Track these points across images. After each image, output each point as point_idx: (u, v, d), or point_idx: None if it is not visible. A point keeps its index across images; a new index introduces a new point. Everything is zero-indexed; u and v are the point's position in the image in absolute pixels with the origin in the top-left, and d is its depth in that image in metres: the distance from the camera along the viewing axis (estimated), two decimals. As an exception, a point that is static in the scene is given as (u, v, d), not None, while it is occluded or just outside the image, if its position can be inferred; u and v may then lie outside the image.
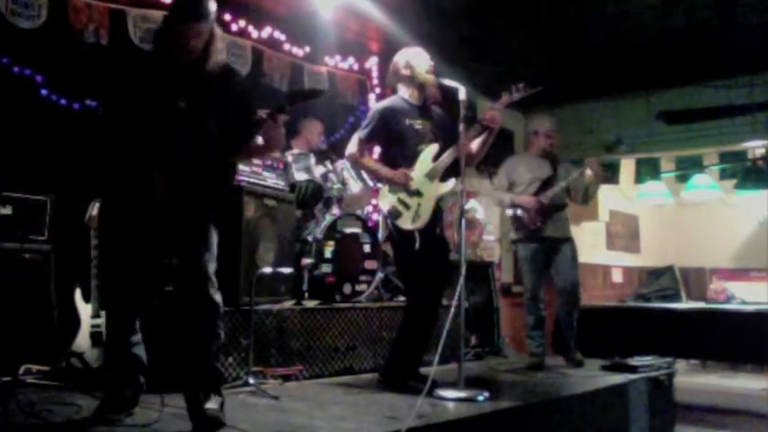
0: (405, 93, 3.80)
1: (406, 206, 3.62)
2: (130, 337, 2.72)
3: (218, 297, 2.70)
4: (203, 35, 2.58)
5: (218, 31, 2.67)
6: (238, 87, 2.77)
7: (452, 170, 3.66)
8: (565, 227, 4.81)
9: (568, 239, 4.80)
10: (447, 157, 3.64)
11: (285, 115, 2.59)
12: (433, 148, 3.68)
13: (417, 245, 3.56)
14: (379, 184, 3.88)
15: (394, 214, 3.63)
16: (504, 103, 3.69)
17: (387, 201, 3.67)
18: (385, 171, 3.71)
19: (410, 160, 3.67)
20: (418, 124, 3.72)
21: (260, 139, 2.67)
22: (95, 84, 4.32)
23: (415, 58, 3.76)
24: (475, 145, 3.71)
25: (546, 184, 4.75)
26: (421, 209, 3.61)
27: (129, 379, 2.71)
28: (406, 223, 3.61)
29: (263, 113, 2.59)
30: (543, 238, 4.71)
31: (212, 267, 2.68)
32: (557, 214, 4.75)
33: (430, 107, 3.83)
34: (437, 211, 3.69)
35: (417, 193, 3.62)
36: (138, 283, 2.71)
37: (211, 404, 2.60)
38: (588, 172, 4.70)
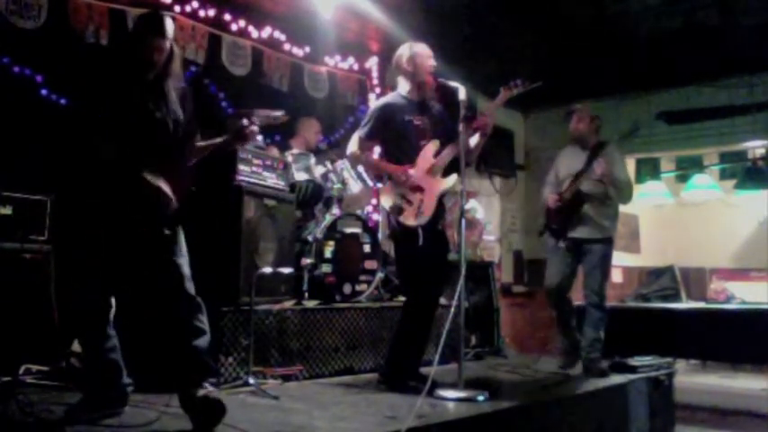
0: (404, 89, 3.81)
1: (409, 202, 3.62)
2: (107, 337, 2.74)
3: (194, 292, 2.74)
4: (165, 51, 2.74)
5: (177, 50, 2.82)
6: (190, 112, 2.89)
7: (453, 167, 3.66)
8: (598, 226, 4.42)
9: (598, 241, 4.41)
10: (448, 153, 3.65)
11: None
12: (434, 144, 3.69)
13: (421, 241, 3.57)
14: (379, 184, 3.89)
15: (396, 210, 3.63)
16: (503, 99, 3.71)
17: (389, 197, 3.67)
18: (387, 167, 3.71)
19: (411, 157, 3.68)
20: (417, 120, 3.72)
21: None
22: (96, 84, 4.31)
23: (419, 56, 3.75)
24: (472, 141, 3.73)
25: (577, 178, 4.45)
26: (423, 205, 3.61)
27: (109, 380, 2.73)
28: (408, 219, 3.61)
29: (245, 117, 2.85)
30: (568, 238, 4.46)
31: (186, 264, 2.74)
32: (587, 213, 4.42)
33: (429, 103, 3.83)
34: (439, 207, 3.69)
35: (419, 190, 3.62)
36: (118, 288, 2.78)
37: (205, 391, 2.62)
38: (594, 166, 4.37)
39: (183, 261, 2.74)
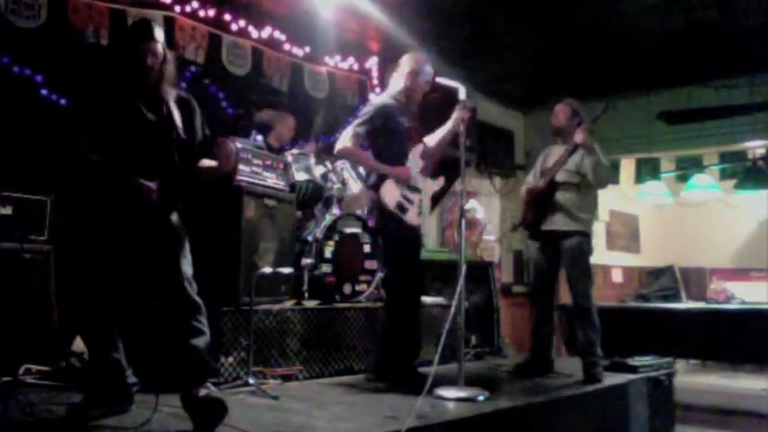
0: (395, 89, 3.90)
1: (410, 201, 3.73)
2: (112, 339, 2.77)
3: (196, 296, 2.77)
4: (159, 54, 2.80)
5: (169, 54, 2.87)
6: (198, 117, 2.93)
7: (441, 168, 3.87)
8: (573, 217, 4.20)
9: (571, 234, 4.19)
10: (431, 151, 3.86)
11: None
12: (420, 146, 3.85)
13: (422, 240, 3.74)
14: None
15: (402, 209, 3.70)
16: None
17: (391, 196, 3.71)
18: (386, 168, 3.76)
19: (402, 159, 3.79)
20: (408, 124, 3.87)
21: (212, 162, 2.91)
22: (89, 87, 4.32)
23: (423, 76, 3.87)
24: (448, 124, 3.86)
25: (553, 168, 4.29)
26: (423, 204, 3.77)
27: (113, 379, 2.76)
28: (413, 218, 3.71)
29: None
30: (540, 232, 4.30)
31: (189, 269, 2.77)
32: (560, 202, 4.22)
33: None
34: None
35: (417, 190, 3.76)
36: (122, 290, 2.79)
37: (207, 391, 2.64)
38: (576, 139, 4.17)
39: (185, 262, 2.76)
